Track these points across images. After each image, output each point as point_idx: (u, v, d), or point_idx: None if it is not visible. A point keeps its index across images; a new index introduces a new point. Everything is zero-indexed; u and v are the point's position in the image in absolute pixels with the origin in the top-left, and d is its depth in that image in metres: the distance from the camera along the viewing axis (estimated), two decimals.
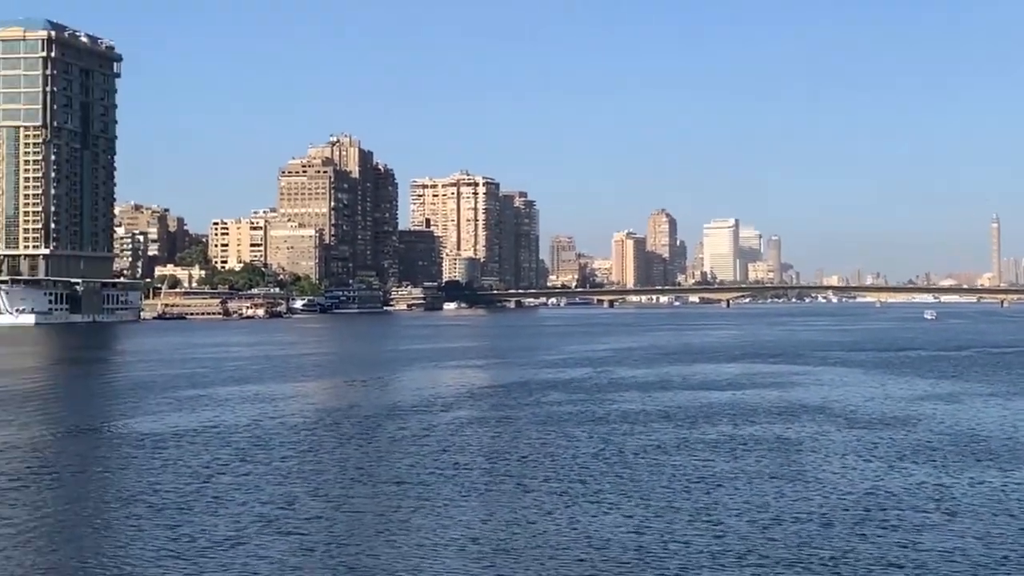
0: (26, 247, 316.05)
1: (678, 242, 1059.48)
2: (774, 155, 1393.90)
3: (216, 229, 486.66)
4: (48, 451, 51.74)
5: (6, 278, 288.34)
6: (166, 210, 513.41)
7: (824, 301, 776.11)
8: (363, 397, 79.16)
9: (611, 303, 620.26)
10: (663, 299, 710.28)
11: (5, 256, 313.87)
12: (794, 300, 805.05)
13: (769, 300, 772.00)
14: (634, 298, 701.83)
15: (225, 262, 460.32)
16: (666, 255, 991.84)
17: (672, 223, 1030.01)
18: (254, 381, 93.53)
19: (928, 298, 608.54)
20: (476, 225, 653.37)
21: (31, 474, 45.08)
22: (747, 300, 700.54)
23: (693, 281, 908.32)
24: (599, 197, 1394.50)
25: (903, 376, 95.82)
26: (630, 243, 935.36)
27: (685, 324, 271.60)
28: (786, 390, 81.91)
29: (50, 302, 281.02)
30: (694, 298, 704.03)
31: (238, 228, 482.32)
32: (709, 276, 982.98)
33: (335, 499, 39.15)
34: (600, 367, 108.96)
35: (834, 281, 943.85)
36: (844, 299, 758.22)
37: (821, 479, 43.03)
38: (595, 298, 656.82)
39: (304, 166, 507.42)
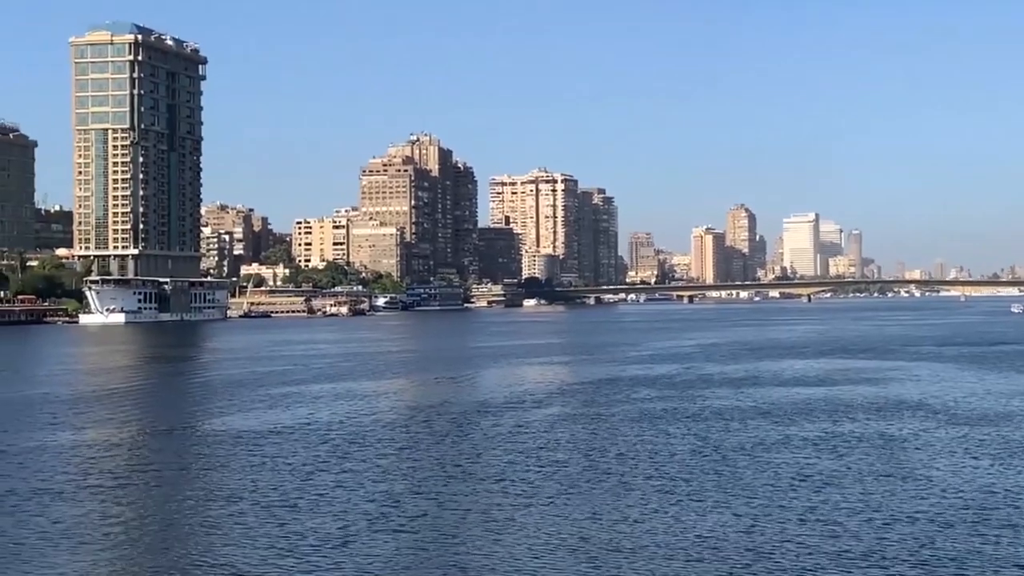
0: (116, 247, 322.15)
1: (757, 237, 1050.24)
2: (854, 148, 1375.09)
3: (299, 228, 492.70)
4: (149, 449, 52.44)
5: (97, 278, 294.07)
6: (251, 210, 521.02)
7: (906, 295, 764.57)
8: (454, 393, 79.25)
9: (690, 299, 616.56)
10: (743, 294, 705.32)
11: (96, 256, 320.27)
12: (876, 295, 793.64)
13: (851, 295, 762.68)
14: (713, 293, 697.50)
15: (308, 261, 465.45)
16: (745, 250, 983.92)
17: (751, 218, 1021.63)
18: (345, 378, 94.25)
19: (1014, 291, 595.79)
20: (555, 222, 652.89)
21: (135, 472, 45.65)
22: (828, 295, 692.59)
23: (773, 276, 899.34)
24: (677, 193, 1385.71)
25: (1000, 371, 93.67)
26: (709, 238, 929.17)
27: (768, 319, 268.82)
28: (882, 386, 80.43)
29: (139, 301, 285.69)
30: (774, 293, 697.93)
31: (321, 227, 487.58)
32: (789, 271, 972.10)
33: (440, 497, 39.03)
34: (688, 363, 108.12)
35: (916, 275, 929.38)
36: (927, 293, 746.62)
37: (932, 477, 41.99)
38: (674, 294, 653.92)
39: (385, 165, 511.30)
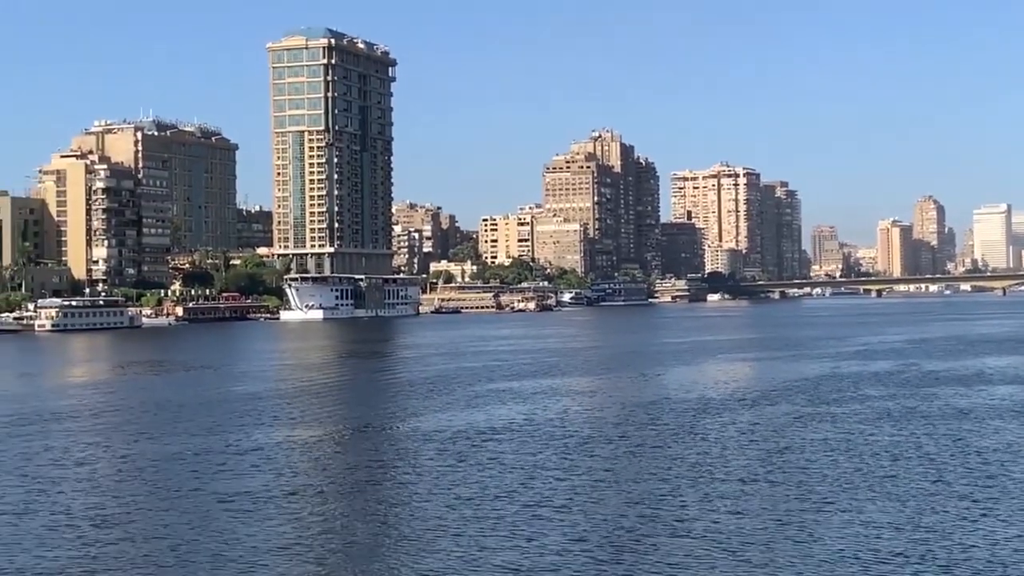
0: (313, 246, 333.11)
1: (946, 229, 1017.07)
2: None
3: (485, 225, 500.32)
4: (364, 448, 54.09)
5: (296, 276, 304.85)
6: (439, 208, 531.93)
7: None
8: (669, 390, 78.65)
9: (879, 292, 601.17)
10: (932, 288, 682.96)
11: (294, 255, 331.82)
12: None
13: None
14: (901, 287, 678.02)
15: (495, 257, 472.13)
16: (934, 242, 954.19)
17: (940, 209, 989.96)
18: (553, 374, 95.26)
19: None
20: (737, 216, 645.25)
21: (366, 467, 47.31)
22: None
23: (963, 269, 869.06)
24: (861, 185, 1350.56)
25: None
26: (896, 231, 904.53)
27: (969, 313, 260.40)
28: None
29: (336, 298, 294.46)
30: (965, 286, 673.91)
31: (506, 224, 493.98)
32: (980, 263, 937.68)
33: (718, 501, 38.57)
34: (905, 359, 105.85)
35: None
36: None
37: None
38: (861, 288, 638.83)
39: (568, 162, 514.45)
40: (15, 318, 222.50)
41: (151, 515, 38.18)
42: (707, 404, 68.88)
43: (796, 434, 54.83)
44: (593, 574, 30.17)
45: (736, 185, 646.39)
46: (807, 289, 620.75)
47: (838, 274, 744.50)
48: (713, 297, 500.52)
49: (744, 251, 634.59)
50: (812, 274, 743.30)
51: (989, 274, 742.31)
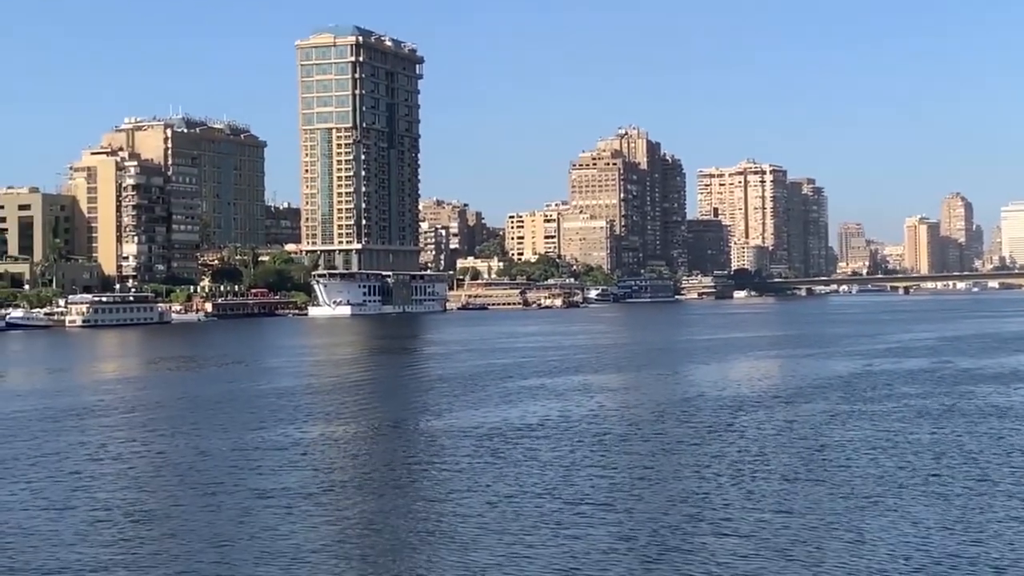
0: (340, 242, 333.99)
1: (974, 226, 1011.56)
2: None
3: (512, 222, 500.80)
4: (408, 440, 54.08)
5: (324, 272, 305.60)
6: (465, 205, 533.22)
7: None
8: (702, 387, 78.16)
9: (906, 290, 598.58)
10: (960, 285, 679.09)
11: (322, 251, 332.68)
12: None
13: None
14: (929, 284, 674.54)
15: (521, 254, 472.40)
16: (961, 240, 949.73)
17: (967, 206, 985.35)
18: (585, 371, 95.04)
19: None
20: (764, 213, 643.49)
21: (402, 463, 47.23)
22: None
23: (991, 267, 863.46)
24: (888, 182, 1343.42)
25: None
26: (923, 228, 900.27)
27: (999, 310, 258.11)
28: None
29: (364, 294, 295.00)
30: (993, 283, 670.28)
31: (532, 221, 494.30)
32: (1008, 261, 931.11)
33: (762, 499, 38.18)
34: (938, 357, 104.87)
35: None
36: None
37: None
38: (888, 285, 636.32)
39: (594, 159, 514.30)
40: (46, 314, 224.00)
41: (192, 512, 38.16)
42: (742, 401, 68.48)
43: (835, 432, 54.33)
44: (642, 574, 29.89)
45: (763, 182, 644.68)
46: (834, 286, 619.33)
47: (865, 271, 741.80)
48: (739, 294, 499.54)
49: (771, 248, 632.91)
50: (839, 271, 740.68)
51: (1017, 271, 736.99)
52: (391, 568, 31.03)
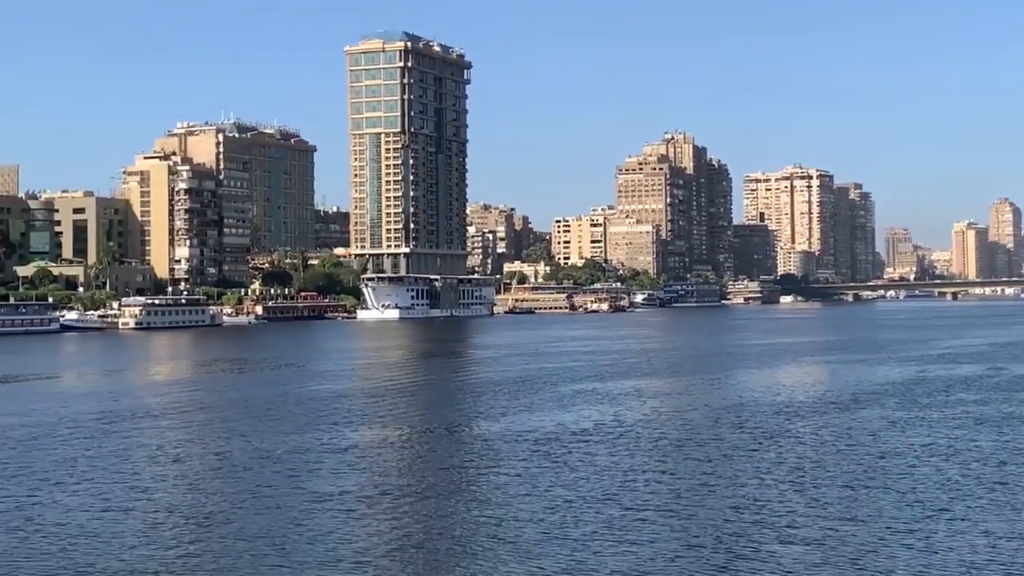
0: (388, 246, 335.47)
1: (1022, 232, 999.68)
2: None
3: (558, 227, 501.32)
4: (462, 444, 53.91)
5: (373, 276, 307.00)
6: (512, 209, 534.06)
7: None
8: (757, 392, 77.51)
9: (954, 295, 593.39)
10: (1008, 291, 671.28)
11: (370, 255, 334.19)
12: None
13: None
14: (977, 290, 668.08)
15: (567, 258, 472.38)
16: (1010, 245, 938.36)
17: (1016, 212, 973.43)
18: (635, 375, 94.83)
19: None
20: (810, 218, 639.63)
21: (458, 467, 47.12)
22: None
23: None
24: (936, 187, 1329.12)
25: None
26: (971, 233, 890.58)
27: None
28: None
29: (412, 297, 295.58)
30: None
31: (579, 225, 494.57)
32: None
33: (826, 507, 37.80)
34: (993, 363, 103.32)
35: None
36: None
37: None
38: (935, 290, 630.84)
39: (640, 164, 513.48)
40: (100, 316, 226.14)
41: (251, 514, 38.24)
42: (797, 407, 67.90)
43: (894, 439, 53.73)
44: None
45: (809, 187, 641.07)
46: (881, 292, 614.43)
47: (912, 277, 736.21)
48: (786, 299, 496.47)
49: (817, 253, 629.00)
50: (886, 276, 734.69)
51: None
52: (454, 573, 30.92)
